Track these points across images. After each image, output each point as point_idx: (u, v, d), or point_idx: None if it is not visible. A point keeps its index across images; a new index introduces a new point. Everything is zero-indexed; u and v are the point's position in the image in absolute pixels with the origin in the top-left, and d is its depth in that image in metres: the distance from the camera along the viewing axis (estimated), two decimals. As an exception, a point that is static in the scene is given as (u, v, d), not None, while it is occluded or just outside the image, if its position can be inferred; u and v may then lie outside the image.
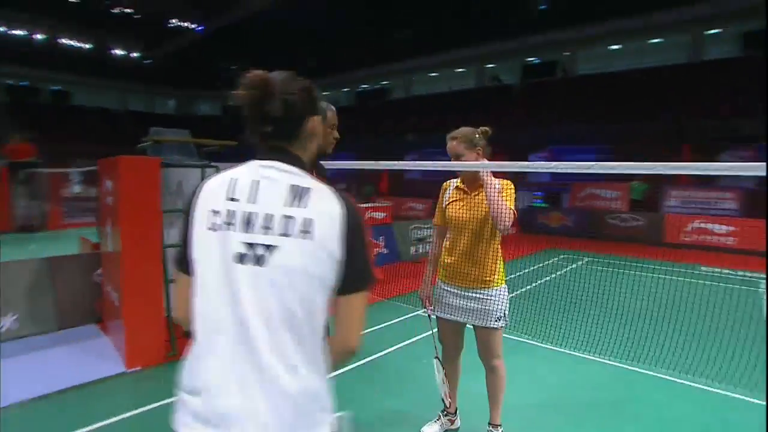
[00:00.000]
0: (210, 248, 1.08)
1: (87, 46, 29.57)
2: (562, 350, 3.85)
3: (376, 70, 29.55)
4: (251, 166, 1.14)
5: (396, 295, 5.45)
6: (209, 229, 1.09)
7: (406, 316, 4.79)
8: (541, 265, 7.73)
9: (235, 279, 1.05)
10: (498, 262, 2.46)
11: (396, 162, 2.66)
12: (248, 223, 1.07)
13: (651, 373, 3.47)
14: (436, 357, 2.67)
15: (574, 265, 7.80)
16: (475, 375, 2.58)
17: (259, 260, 1.05)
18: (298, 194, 1.09)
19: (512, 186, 2.42)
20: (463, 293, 2.46)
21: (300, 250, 1.05)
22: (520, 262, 7.74)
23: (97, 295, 4.39)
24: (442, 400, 2.66)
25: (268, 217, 1.07)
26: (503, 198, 2.33)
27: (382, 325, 4.54)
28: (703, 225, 10.02)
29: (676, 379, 3.37)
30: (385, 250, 7.98)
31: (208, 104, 35.46)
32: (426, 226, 8.51)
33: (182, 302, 1.15)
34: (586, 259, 8.33)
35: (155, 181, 3.45)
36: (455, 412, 2.76)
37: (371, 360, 3.73)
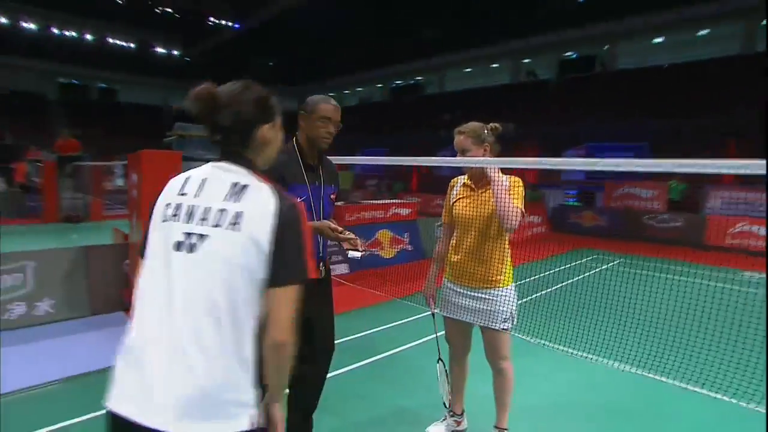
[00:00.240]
0: (158, 237, 1.19)
1: (132, 45, 30.83)
2: (581, 354, 3.74)
3: (409, 66, 29.44)
4: (206, 166, 1.25)
5: (414, 292, 5.42)
6: (162, 221, 1.20)
7: (423, 315, 4.77)
8: (570, 265, 7.52)
9: (171, 265, 1.14)
10: (505, 261, 2.40)
11: (399, 158, 2.64)
12: (190, 215, 1.17)
13: (675, 383, 3.32)
14: (440, 359, 2.64)
15: (605, 266, 7.54)
16: (483, 376, 2.54)
17: (191, 248, 1.14)
18: (237, 190, 1.18)
19: (521, 183, 2.36)
20: (469, 293, 2.42)
21: (227, 240, 1.12)
22: (549, 262, 7.55)
23: (126, 284, 4.58)
24: (444, 405, 2.63)
25: (207, 210, 1.16)
26: (511, 196, 2.27)
27: (398, 323, 4.54)
28: (747, 228, 9.49)
29: (703, 391, 3.21)
30: (409, 247, 7.96)
31: (244, 100, 36.09)
32: (452, 224, 8.42)
33: None
34: (618, 261, 8.04)
35: (176, 175, 3.56)
36: (462, 414, 2.72)
37: (384, 357, 3.74)
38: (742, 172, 1.23)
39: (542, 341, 3.90)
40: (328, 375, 3.26)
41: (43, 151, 13.89)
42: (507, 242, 2.45)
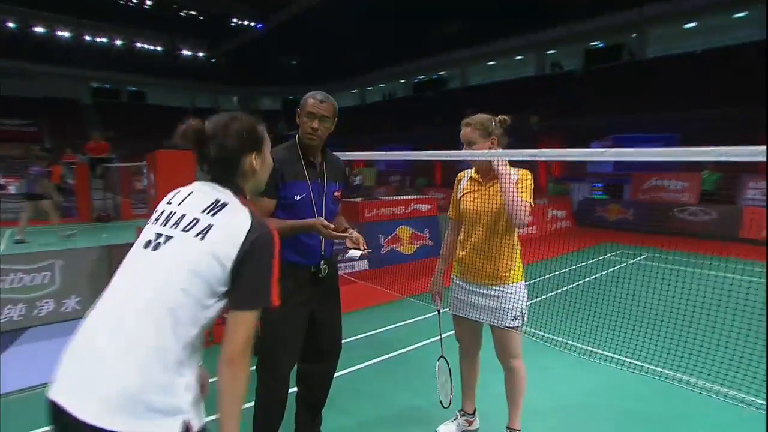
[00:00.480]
0: (139, 238, 1.28)
1: (158, 48, 31.64)
2: (603, 352, 3.61)
3: (432, 61, 29.20)
4: (197, 182, 1.33)
5: (422, 292, 5.38)
6: (148, 224, 1.30)
7: (444, 310, 4.72)
8: (594, 260, 7.32)
9: (138, 262, 1.21)
10: (514, 257, 2.34)
11: (405, 152, 2.60)
12: (167, 219, 1.25)
13: (699, 382, 3.17)
14: (441, 357, 2.60)
15: (631, 261, 7.32)
16: (496, 374, 2.48)
17: (156, 247, 1.20)
18: (216, 207, 1.24)
19: (530, 176, 2.29)
20: (476, 290, 2.37)
21: (189, 246, 1.17)
22: (573, 257, 7.36)
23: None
24: (441, 403, 2.58)
25: (182, 217, 1.23)
26: (520, 190, 2.21)
27: (412, 320, 4.50)
28: (786, 219, 9.02)
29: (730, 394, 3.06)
30: (430, 242, 7.90)
31: (269, 99, 36.75)
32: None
33: None
34: (645, 255, 7.78)
35: (191, 174, 3.63)
36: (473, 413, 2.67)
37: (396, 355, 3.71)
38: (740, 158, 1.16)
39: (554, 344, 3.80)
40: (339, 373, 3.26)
41: (77, 153, 14.41)
42: (516, 238, 2.39)
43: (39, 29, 27.34)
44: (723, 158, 1.22)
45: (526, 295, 2.37)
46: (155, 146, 5.19)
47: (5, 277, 4.31)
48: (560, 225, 10.29)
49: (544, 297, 5.11)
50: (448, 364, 2.57)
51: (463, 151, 2.34)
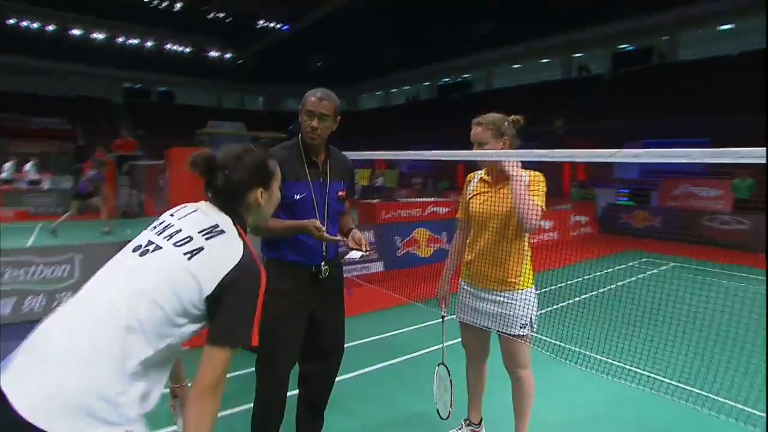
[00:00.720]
0: (134, 239, 1.30)
1: (187, 50, 32.37)
2: (620, 364, 3.47)
3: (456, 63, 29.01)
4: (204, 203, 1.34)
5: (452, 291, 5.30)
6: (147, 229, 1.31)
7: (449, 317, 4.65)
8: (617, 267, 7.10)
9: (123, 262, 1.22)
10: (524, 263, 2.25)
11: (418, 152, 2.55)
12: (164, 230, 1.26)
13: (719, 398, 3.01)
14: (441, 363, 2.52)
15: (655, 270, 7.07)
16: (506, 383, 2.39)
17: (143, 253, 1.20)
18: (213, 231, 1.23)
19: (543, 179, 2.21)
20: (484, 295, 2.29)
21: (175, 261, 1.16)
22: (595, 264, 7.16)
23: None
24: (438, 414, 2.48)
25: (177, 231, 1.23)
26: (531, 193, 2.13)
27: (424, 325, 4.41)
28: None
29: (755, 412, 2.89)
30: (447, 246, 7.81)
31: (294, 100, 37.18)
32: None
33: None
34: (671, 264, 7.50)
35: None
36: (479, 423, 2.58)
37: (406, 359, 3.65)
38: (739, 160, 1.09)
39: (565, 356, 3.66)
40: (346, 375, 3.24)
41: (107, 151, 14.87)
42: (526, 243, 2.30)
43: (76, 32, 28.32)
44: (719, 160, 1.14)
45: (535, 303, 2.28)
46: (184, 144, 5.33)
47: (28, 269, 4.44)
48: (582, 231, 10.04)
49: (562, 305, 4.96)
50: (449, 373, 2.47)
51: (468, 151, 2.27)
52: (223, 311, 1.14)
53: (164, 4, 27.56)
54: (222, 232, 1.24)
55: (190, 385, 1.30)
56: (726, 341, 2.91)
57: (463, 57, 28.10)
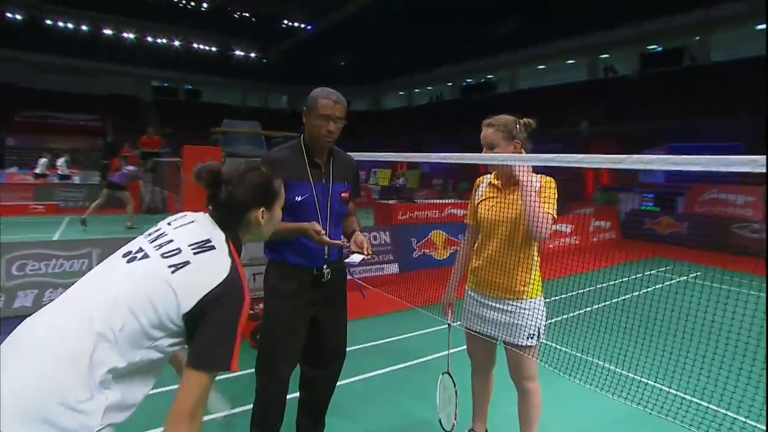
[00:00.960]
0: (129, 243, 1.29)
1: (213, 49, 32.95)
2: (636, 377, 3.35)
3: (480, 64, 28.74)
4: (204, 214, 1.33)
5: (459, 298, 5.22)
6: (143, 235, 1.30)
7: (458, 323, 4.56)
8: (639, 275, 6.88)
9: (111, 265, 1.21)
10: (532, 271, 2.17)
11: (426, 154, 2.50)
12: (157, 238, 1.24)
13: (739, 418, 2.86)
14: (446, 372, 2.45)
15: (680, 279, 6.83)
16: (513, 393, 2.31)
17: (131, 260, 1.18)
18: (203, 246, 1.20)
19: (554, 185, 2.13)
20: (490, 303, 2.23)
21: (158, 273, 1.13)
22: (615, 271, 6.94)
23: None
24: (441, 426, 2.40)
25: (169, 241, 1.21)
26: (542, 200, 2.05)
27: (434, 329, 4.34)
28: None
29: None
30: (464, 249, 7.72)
31: (318, 100, 37.29)
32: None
33: None
34: (697, 273, 7.23)
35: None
36: (484, 434, 2.52)
37: (412, 364, 3.59)
38: (736, 168, 1.02)
39: (570, 374, 3.55)
40: (351, 379, 3.21)
41: (134, 148, 15.25)
42: (536, 250, 2.23)
43: (108, 31, 29.15)
44: (713, 167, 1.07)
45: (544, 313, 2.20)
46: (207, 142, 5.41)
47: (48, 262, 4.56)
48: (604, 236, 9.79)
49: (577, 313, 4.83)
50: (453, 382, 2.39)
51: (475, 154, 2.21)
52: (202, 332, 1.11)
53: (192, 3, 28.08)
54: (212, 248, 1.21)
55: None
56: (755, 359, 2.76)
57: (487, 57, 27.83)
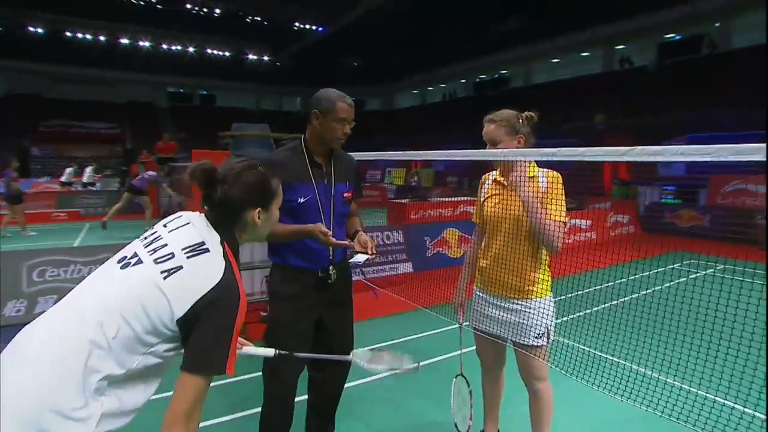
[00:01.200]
0: (124, 248, 1.28)
1: (227, 54, 33.37)
2: (657, 375, 3.25)
3: (493, 59, 28.47)
4: (200, 216, 1.30)
5: (468, 298, 5.16)
6: (138, 239, 1.29)
7: (468, 324, 4.50)
8: (659, 270, 6.73)
9: (106, 272, 1.20)
10: (540, 269, 2.12)
11: (426, 152, 2.47)
12: (152, 242, 1.23)
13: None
14: (460, 375, 2.41)
15: (701, 273, 6.63)
16: (524, 393, 2.27)
17: (125, 266, 1.17)
18: (197, 249, 1.18)
19: (560, 181, 2.07)
20: (498, 303, 2.18)
21: (150, 279, 1.12)
22: (633, 266, 6.80)
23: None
24: (455, 426, 2.36)
25: (163, 246, 1.20)
26: (550, 204, 2.00)
27: (443, 330, 4.28)
28: None
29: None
30: (478, 247, 7.65)
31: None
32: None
33: None
34: (719, 267, 7.03)
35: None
36: (495, 436, 2.48)
37: (425, 365, 3.53)
38: (736, 158, 0.97)
39: (580, 376, 3.46)
40: (361, 380, 3.20)
41: (151, 154, 15.53)
42: (543, 248, 2.17)
43: (124, 41, 29.76)
44: (714, 158, 1.03)
45: (552, 312, 2.15)
46: (221, 146, 5.46)
47: (66, 267, 4.66)
48: (623, 231, 9.59)
49: (593, 310, 4.73)
50: (468, 384, 2.36)
51: (477, 150, 2.16)
52: (197, 335, 1.10)
53: (204, 10, 28.49)
54: (206, 251, 1.19)
55: None
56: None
57: (500, 53, 27.57)
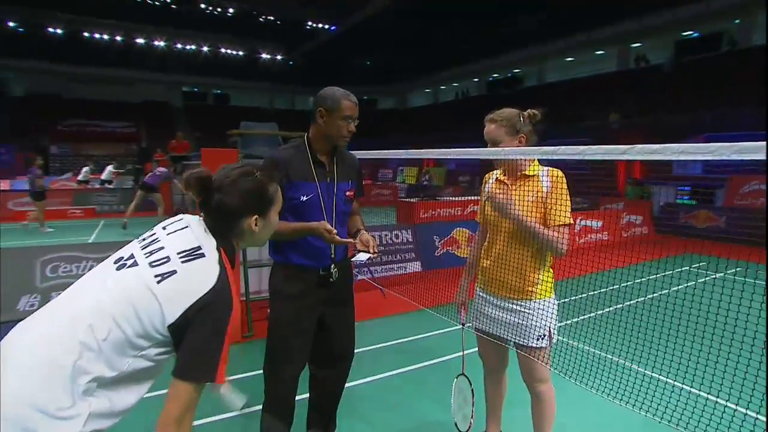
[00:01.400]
0: (122, 249, 1.28)
1: (240, 53, 33.62)
2: (666, 379, 3.19)
3: (507, 58, 28.22)
4: (198, 220, 1.29)
5: (470, 298, 5.11)
6: (137, 240, 1.31)
7: (470, 324, 4.46)
8: (672, 272, 6.59)
9: (102, 272, 1.20)
10: (542, 270, 2.09)
11: (427, 151, 2.45)
12: (149, 244, 1.22)
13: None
14: (462, 375, 2.39)
15: (716, 275, 6.46)
16: (528, 395, 2.25)
17: (120, 267, 1.17)
18: (192, 254, 1.17)
19: (564, 179, 2.04)
20: (499, 303, 2.16)
21: (144, 283, 1.11)
22: (647, 266, 6.69)
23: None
24: (455, 425, 2.34)
25: (160, 249, 1.19)
26: (552, 206, 1.98)
27: (448, 330, 4.23)
28: None
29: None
30: (487, 247, 7.60)
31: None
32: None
33: None
34: (735, 269, 6.88)
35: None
36: (497, 438, 2.45)
37: (428, 365, 3.53)
38: (736, 156, 0.94)
39: (582, 381, 3.40)
40: (365, 379, 3.20)
41: (165, 153, 15.73)
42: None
43: (140, 40, 30.18)
44: (713, 157, 0.99)
45: (555, 313, 2.12)
46: (229, 144, 5.52)
47: (78, 264, 4.74)
48: (636, 231, 9.44)
49: (599, 312, 4.66)
50: (470, 383, 2.34)
51: (477, 149, 2.14)
52: (188, 341, 1.09)
53: (218, 10, 28.77)
54: (201, 255, 1.17)
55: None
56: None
57: (513, 51, 27.31)
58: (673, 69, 19.55)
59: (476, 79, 31.96)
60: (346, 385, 2.38)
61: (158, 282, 1.11)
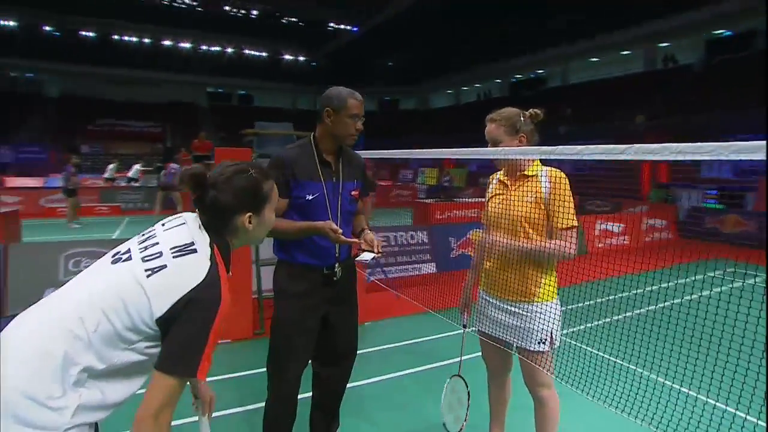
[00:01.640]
0: (122, 244, 1.30)
1: (264, 54, 34.11)
2: (664, 381, 3.09)
3: (531, 58, 27.85)
4: (195, 217, 1.30)
5: (474, 300, 5.05)
6: (137, 235, 1.33)
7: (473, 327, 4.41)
8: (697, 277, 6.38)
9: (99, 265, 1.23)
10: (544, 273, 2.05)
11: (429, 150, 2.44)
12: (146, 240, 1.24)
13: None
14: (457, 375, 2.36)
15: (743, 282, 6.25)
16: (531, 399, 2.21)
17: (116, 261, 1.19)
18: (184, 250, 1.19)
19: (565, 180, 1.99)
20: (501, 305, 2.12)
21: (134, 277, 1.12)
22: (672, 271, 6.49)
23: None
24: (443, 425, 2.32)
25: (155, 244, 1.21)
26: (554, 209, 1.95)
27: (457, 332, 4.21)
28: None
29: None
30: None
31: (366, 100, 37.58)
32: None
33: None
34: (764, 276, 6.62)
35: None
36: (500, 444, 2.42)
37: (437, 366, 3.50)
38: (736, 156, 0.90)
39: (585, 390, 3.32)
40: (372, 379, 3.20)
41: (189, 152, 16.04)
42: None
43: (167, 42, 30.94)
44: (711, 157, 0.95)
45: (557, 317, 2.07)
46: (244, 144, 5.61)
47: (90, 260, 4.88)
48: (659, 236, 9.18)
49: (614, 318, 4.55)
50: (467, 385, 2.31)
51: (478, 149, 2.12)
52: (173, 335, 1.10)
53: (242, 12, 29.27)
54: (194, 251, 1.18)
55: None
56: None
57: (537, 52, 26.93)
58: (704, 69, 18.97)
59: (499, 80, 31.66)
60: (353, 384, 2.38)
61: (148, 276, 1.13)
